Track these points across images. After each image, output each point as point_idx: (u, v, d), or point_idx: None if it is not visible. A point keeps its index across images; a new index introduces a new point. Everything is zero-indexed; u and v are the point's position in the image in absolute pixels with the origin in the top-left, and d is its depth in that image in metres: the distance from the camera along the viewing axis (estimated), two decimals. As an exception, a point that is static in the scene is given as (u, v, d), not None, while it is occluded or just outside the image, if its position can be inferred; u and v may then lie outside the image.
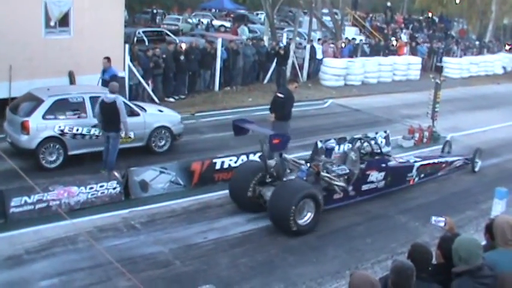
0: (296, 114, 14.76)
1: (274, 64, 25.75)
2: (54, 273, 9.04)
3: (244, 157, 13.77)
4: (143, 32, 29.14)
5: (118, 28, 19.68)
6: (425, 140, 17.94)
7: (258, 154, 13.89)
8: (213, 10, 51.04)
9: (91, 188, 11.69)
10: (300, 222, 10.89)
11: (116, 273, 8.83)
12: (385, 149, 16.65)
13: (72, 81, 17.90)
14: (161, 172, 12.65)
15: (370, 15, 46.15)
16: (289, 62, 25.81)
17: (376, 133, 16.81)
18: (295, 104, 14.76)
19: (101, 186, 11.82)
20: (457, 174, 15.15)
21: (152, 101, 20.60)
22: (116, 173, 12.26)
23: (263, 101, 20.94)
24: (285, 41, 28.36)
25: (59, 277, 8.95)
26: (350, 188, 12.19)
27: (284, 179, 11.64)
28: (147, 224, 11.06)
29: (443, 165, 14.77)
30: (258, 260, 9.97)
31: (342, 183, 11.94)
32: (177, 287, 8.97)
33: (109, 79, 15.29)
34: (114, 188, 11.98)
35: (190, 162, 13.26)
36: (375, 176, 12.74)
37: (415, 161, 14.10)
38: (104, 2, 18.74)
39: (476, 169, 15.54)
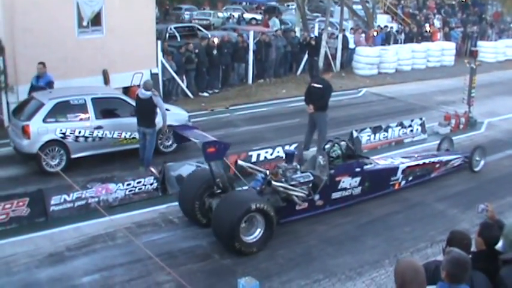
0: (331, 104, 14.63)
1: (306, 55, 25.70)
2: (95, 269, 9.17)
3: (279, 149, 13.77)
4: (175, 28, 29.29)
5: (150, 25, 19.84)
6: (461, 126, 17.71)
7: (294, 145, 13.89)
8: (244, 3, 51.20)
9: (128, 184, 11.79)
10: (247, 239, 9.68)
11: (155, 268, 8.92)
12: (420, 137, 16.55)
13: (106, 79, 18.11)
14: (197, 166, 12.67)
15: (402, 1, 45.58)
16: (322, 52, 25.70)
17: (412, 120, 16.66)
18: (329, 94, 14.68)
19: (138, 183, 11.91)
20: (496, 159, 14.88)
21: (186, 96, 20.78)
22: (152, 169, 12.37)
23: (297, 92, 20.90)
24: (316, 31, 28.22)
25: (100, 273, 9.07)
26: (317, 196, 10.95)
27: (237, 189, 10.81)
28: (184, 218, 11.09)
29: (437, 165, 13.40)
30: (296, 251, 9.95)
31: (301, 193, 10.63)
32: (217, 280, 9.00)
33: (45, 86, 14.86)
34: (151, 184, 12.09)
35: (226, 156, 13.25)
36: (348, 182, 11.42)
37: (401, 163, 12.77)
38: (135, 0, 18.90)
39: (477, 168, 14.09)
